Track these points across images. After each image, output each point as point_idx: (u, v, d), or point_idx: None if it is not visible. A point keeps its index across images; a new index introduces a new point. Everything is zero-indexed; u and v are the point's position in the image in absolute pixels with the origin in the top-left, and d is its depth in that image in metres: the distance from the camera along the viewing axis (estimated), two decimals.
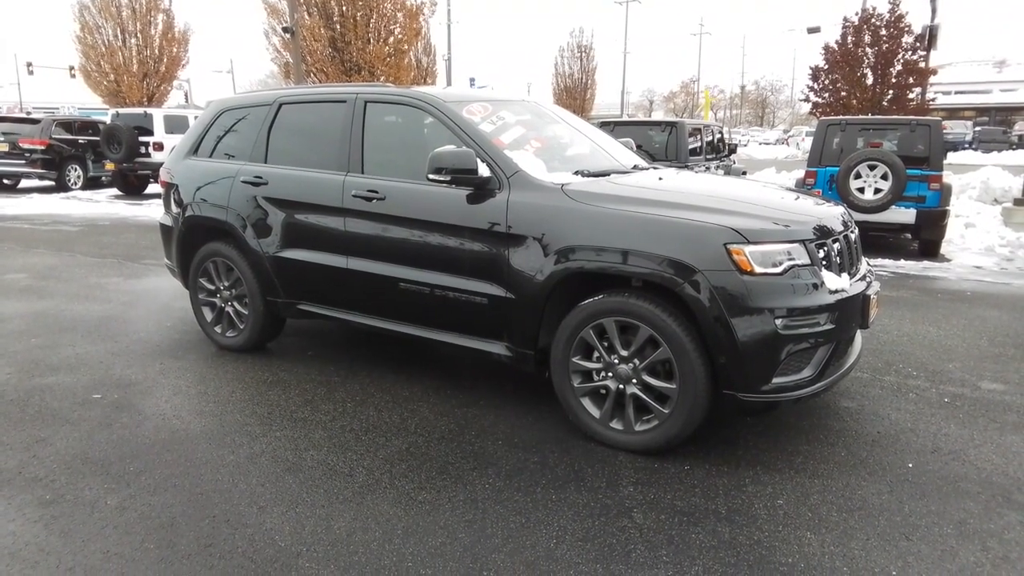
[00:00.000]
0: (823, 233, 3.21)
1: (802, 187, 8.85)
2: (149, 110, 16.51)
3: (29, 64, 42.15)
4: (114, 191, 16.72)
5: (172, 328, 5.28)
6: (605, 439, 3.29)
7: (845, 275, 3.26)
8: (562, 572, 2.39)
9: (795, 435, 3.45)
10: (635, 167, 4.24)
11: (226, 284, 4.67)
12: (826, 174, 8.79)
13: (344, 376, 4.26)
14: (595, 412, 3.32)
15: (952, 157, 24.82)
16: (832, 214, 3.46)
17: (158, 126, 15.61)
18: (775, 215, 3.22)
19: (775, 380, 3.01)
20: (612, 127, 9.90)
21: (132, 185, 16.42)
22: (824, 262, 3.15)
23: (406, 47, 24.84)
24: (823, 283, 3.08)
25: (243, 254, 4.47)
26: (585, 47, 44.97)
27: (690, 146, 9.98)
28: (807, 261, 3.06)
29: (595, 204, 3.29)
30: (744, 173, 13.13)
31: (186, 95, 40.91)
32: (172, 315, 5.63)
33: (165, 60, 27.79)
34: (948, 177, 8.76)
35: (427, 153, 3.52)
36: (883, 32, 19.41)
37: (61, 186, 16.50)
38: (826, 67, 20.24)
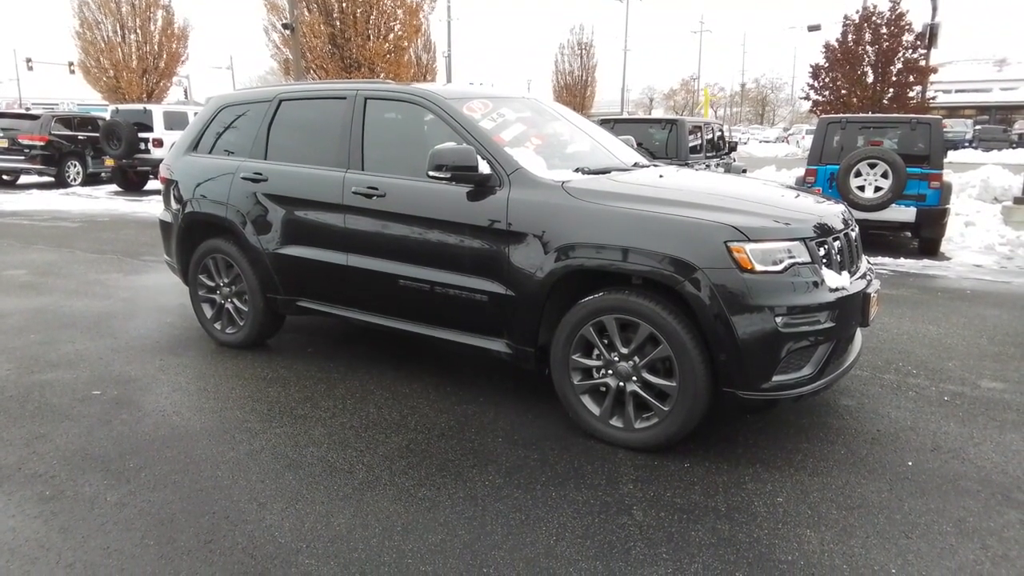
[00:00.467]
0: (823, 231, 3.21)
1: (802, 185, 8.84)
2: (148, 106, 16.48)
3: (28, 60, 42.06)
4: (113, 187, 16.72)
5: (172, 325, 5.28)
6: (605, 436, 3.29)
7: (845, 273, 3.26)
8: (562, 569, 2.39)
9: (795, 433, 3.45)
10: (636, 164, 4.24)
11: (226, 281, 4.67)
12: (826, 172, 8.79)
13: (344, 373, 4.26)
14: (595, 409, 3.32)
15: (952, 155, 24.81)
16: (832, 212, 3.46)
17: (157, 122, 15.58)
18: (776, 213, 3.22)
19: (775, 378, 3.01)
20: (612, 124, 9.89)
21: (131, 181, 16.40)
22: (824, 260, 3.15)
23: (406, 44, 24.83)
24: (823, 281, 3.08)
25: (243, 251, 4.46)
26: (585, 44, 44.97)
27: (690, 144, 9.98)
28: (807, 259, 3.06)
29: (596, 201, 3.28)
30: (744, 171, 13.12)
31: (186, 91, 40.87)
32: (172, 311, 5.62)
33: (164, 56, 27.75)
34: (948, 176, 8.76)
35: (427, 150, 3.52)
36: (884, 30, 19.41)
37: (60, 182, 16.50)
38: (826, 65, 20.23)
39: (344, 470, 3.05)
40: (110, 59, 26.79)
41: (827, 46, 20.27)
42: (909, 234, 8.98)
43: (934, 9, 19.11)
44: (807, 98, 21.16)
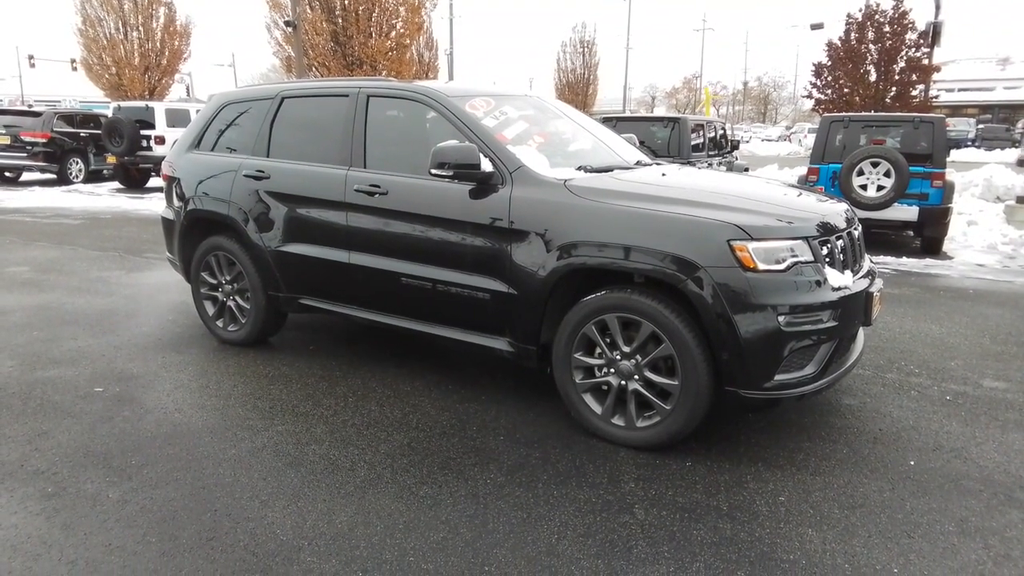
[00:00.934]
0: (826, 230, 3.20)
1: (805, 184, 8.83)
2: (151, 103, 16.48)
3: (31, 57, 42.10)
4: (116, 184, 16.73)
5: (174, 322, 5.28)
6: (607, 435, 3.29)
7: (848, 272, 3.25)
8: (563, 568, 2.39)
9: (797, 432, 3.45)
10: (638, 163, 4.23)
11: (228, 278, 4.67)
12: (829, 171, 8.78)
13: (346, 371, 4.26)
14: (597, 408, 3.32)
15: (955, 154, 24.79)
16: (835, 211, 3.45)
17: (160, 120, 15.59)
18: (778, 212, 3.21)
19: (777, 377, 3.00)
20: (614, 123, 9.88)
21: (134, 179, 16.41)
22: (827, 259, 3.15)
23: (408, 42, 24.82)
24: (826, 280, 3.07)
25: (245, 248, 4.46)
26: (587, 42, 44.93)
27: (692, 142, 9.96)
28: (810, 258, 3.05)
29: (598, 200, 3.28)
30: (747, 169, 13.10)
31: (188, 89, 40.87)
32: (174, 309, 5.63)
33: (167, 53, 27.79)
34: (951, 174, 8.74)
35: (429, 148, 3.52)
36: (887, 29, 19.39)
37: (63, 179, 16.51)
38: (829, 64, 20.23)
39: (346, 468, 3.06)
40: (112, 56, 26.82)
41: (830, 44, 20.26)
42: (911, 233, 8.97)
43: (937, 7, 19.08)
44: (810, 96, 21.16)
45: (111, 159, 16.14)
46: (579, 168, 3.72)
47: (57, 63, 42.21)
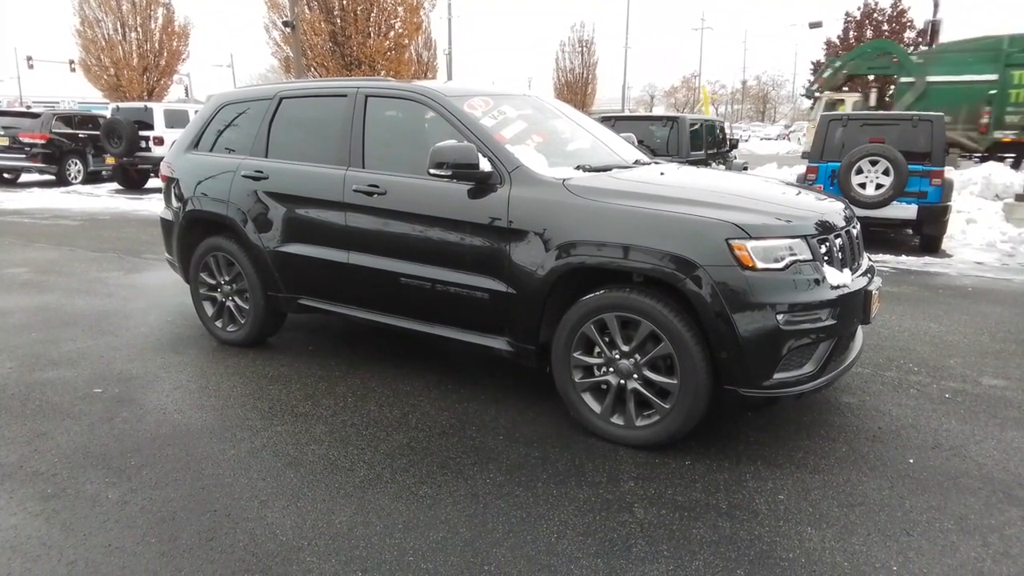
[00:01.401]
0: (825, 228, 3.21)
1: (804, 182, 8.83)
2: (149, 104, 16.49)
3: (29, 58, 42.06)
4: (114, 185, 16.74)
5: (173, 323, 5.28)
6: (606, 434, 3.29)
7: (847, 270, 3.25)
8: (563, 567, 2.39)
9: (796, 431, 3.45)
10: (636, 162, 4.23)
11: (227, 279, 4.67)
12: (827, 169, 8.78)
13: (345, 371, 4.26)
14: (596, 407, 3.32)
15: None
16: (834, 209, 3.45)
17: (158, 120, 15.59)
18: (777, 210, 3.21)
19: (776, 375, 3.01)
20: (613, 122, 9.88)
21: (132, 179, 16.41)
22: (826, 257, 3.15)
23: (407, 42, 24.83)
24: (825, 279, 3.07)
25: (244, 249, 4.46)
26: (586, 42, 44.91)
27: (691, 141, 9.97)
28: (809, 256, 3.05)
29: (596, 199, 3.28)
30: (746, 168, 13.12)
31: (186, 89, 40.86)
32: (173, 310, 5.63)
33: (165, 54, 27.79)
34: (949, 173, 8.75)
35: (428, 148, 3.51)
36: (885, 27, 19.40)
37: (61, 180, 16.51)
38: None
39: (345, 468, 3.06)
40: (111, 57, 26.81)
41: (828, 43, 20.27)
42: (910, 231, 8.97)
43: (935, 6, 19.10)
44: (808, 95, 21.16)
45: (110, 160, 16.14)
46: (578, 167, 3.72)
47: (55, 64, 42.20)
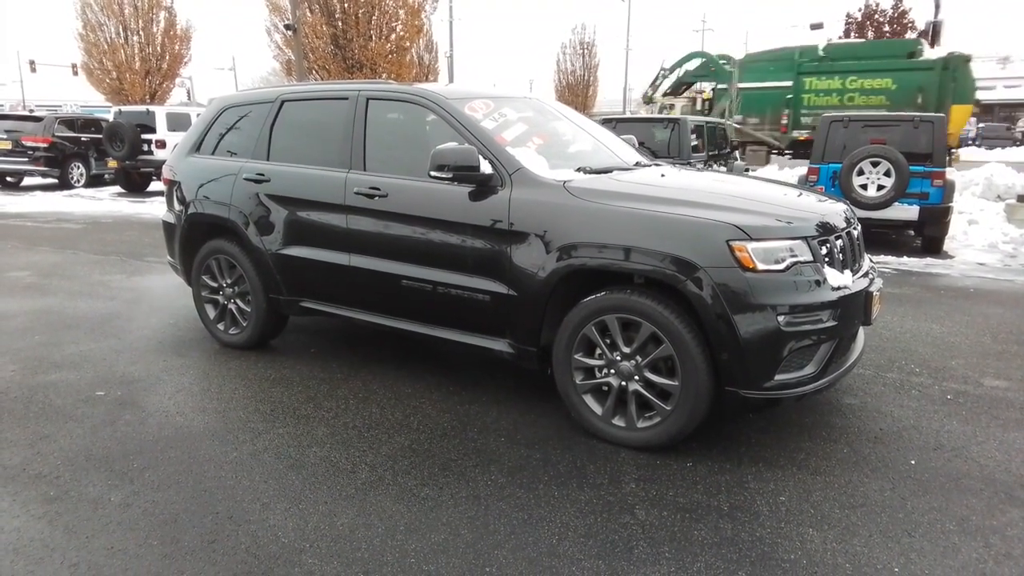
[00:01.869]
0: (826, 230, 3.21)
1: (805, 184, 8.83)
2: (151, 108, 16.55)
3: (32, 62, 42.15)
4: (117, 189, 16.77)
5: (175, 325, 5.29)
6: (607, 436, 3.29)
7: (848, 272, 3.26)
8: (564, 568, 2.39)
9: (797, 432, 3.45)
10: (637, 164, 4.24)
11: (229, 281, 4.68)
12: (829, 171, 8.78)
13: (347, 373, 4.26)
14: (597, 409, 3.32)
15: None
16: (835, 210, 3.46)
17: (160, 124, 15.63)
18: (778, 212, 3.21)
19: (777, 377, 3.01)
20: (614, 124, 9.88)
21: (135, 183, 16.45)
22: (827, 259, 3.15)
23: (408, 44, 24.86)
24: (826, 280, 3.07)
25: (246, 251, 4.47)
26: (587, 44, 44.93)
27: (692, 143, 9.96)
28: (810, 258, 3.05)
29: (597, 201, 3.28)
30: (747, 170, 13.11)
31: (188, 93, 40.93)
32: (175, 312, 5.64)
33: (167, 57, 27.83)
34: (951, 173, 8.74)
35: (429, 150, 3.52)
36: (886, 28, 19.39)
37: (64, 184, 16.54)
38: None
39: (347, 470, 3.06)
40: (113, 61, 26.86)
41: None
42: (912, 232, 8.97)
43: (937, 7, 19.09)
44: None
45: (112, 163, 16.19)
46: (578, 169, 3.73)
47: (58, 68, 42.35)
